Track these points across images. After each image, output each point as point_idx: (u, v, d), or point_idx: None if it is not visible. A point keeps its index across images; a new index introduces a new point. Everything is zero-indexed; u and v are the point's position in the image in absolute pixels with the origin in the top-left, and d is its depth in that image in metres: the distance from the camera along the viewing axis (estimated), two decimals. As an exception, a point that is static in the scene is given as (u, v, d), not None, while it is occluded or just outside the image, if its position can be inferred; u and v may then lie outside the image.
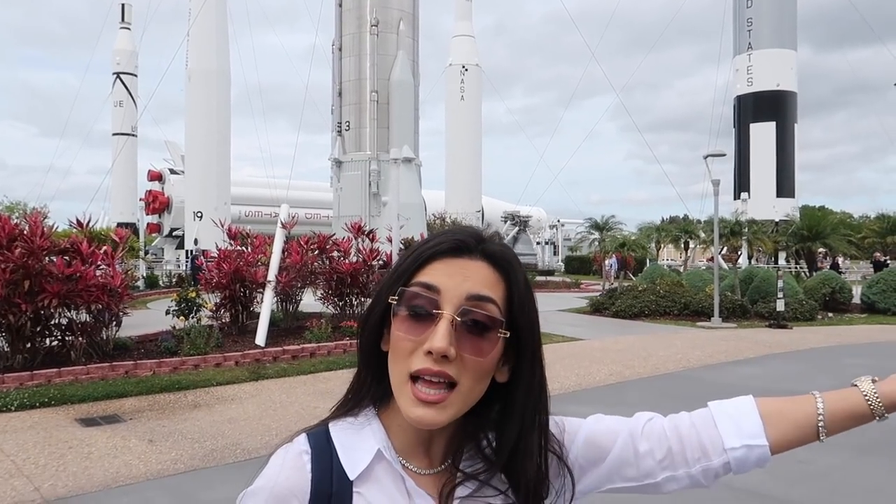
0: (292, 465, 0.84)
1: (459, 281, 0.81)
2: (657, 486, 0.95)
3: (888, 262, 28.41)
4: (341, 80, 21.91)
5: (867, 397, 0.87)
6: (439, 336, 0.77)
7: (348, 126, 21.66)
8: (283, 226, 12.17)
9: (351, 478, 0.83)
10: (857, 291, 19.99)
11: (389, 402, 0.88)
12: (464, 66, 38.25)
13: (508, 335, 0.83)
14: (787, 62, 34.09)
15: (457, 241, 0.84)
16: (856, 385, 0.90)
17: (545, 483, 0.90)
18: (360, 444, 0.85)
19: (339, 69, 22.06)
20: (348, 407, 0.90)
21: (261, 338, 10.73)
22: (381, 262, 13.19)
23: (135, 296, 13.58)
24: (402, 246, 13.86)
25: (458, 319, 0.79)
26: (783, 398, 0.94)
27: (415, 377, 0.80)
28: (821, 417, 0.89)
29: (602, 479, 0.96)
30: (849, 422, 0.90)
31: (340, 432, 0.87)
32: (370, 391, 0.90)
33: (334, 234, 14.47)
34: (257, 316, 11.53)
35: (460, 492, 0.87)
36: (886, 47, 63.65)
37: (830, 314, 18.18)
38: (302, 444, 0.86)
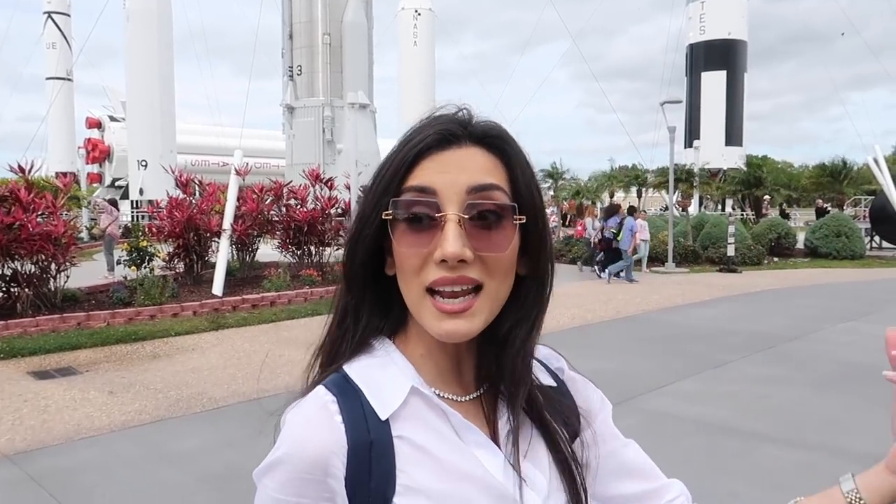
0: (320, 419, 0.70)
1: (455, 175, 0.70)
2: None
3: (828, 208, 29.46)
4: (292, 21, 21.07)
5: (847, 497, 0.84)
6: (450, 240, 0.67)
7: (300, 70, 20.94)
8: (238, 172, 11.77)
9: (382, 418, 0.71)
10: (800, 237, 20.69)
11: (404, 333, 0.78)
12: (416, 11, 37.24)
13: (525, 220, 0.72)
14: (739, 10, 34.30)
15: (442, 133, 0.72)
16: (839, 485, 0.86)
17: (530, 385, 0.78)
18: (387, 382, 0.74)
19: (289, 10, 21.19)
20: (352, 345, 0.77)
21: (218, 287, 10.46)
22: (339, 210, 12.94)
23: (81, 247, 13.04)
24: (360, 194, 13.60)
25: (465, 217, 0.68)
26: None
27: (431, 290, 0.69)
28: None
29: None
30: None
31: (362, 372, 0.74)
32: (370, 324, 0.78)
33: (290, 182, 14.09)
34: (212, 266, 11.22)
35: (502, 424, 0.77)
36: (832, -3, 64.68)
37: (776, 259, 18.79)
38: (324, 394, 0.72)
